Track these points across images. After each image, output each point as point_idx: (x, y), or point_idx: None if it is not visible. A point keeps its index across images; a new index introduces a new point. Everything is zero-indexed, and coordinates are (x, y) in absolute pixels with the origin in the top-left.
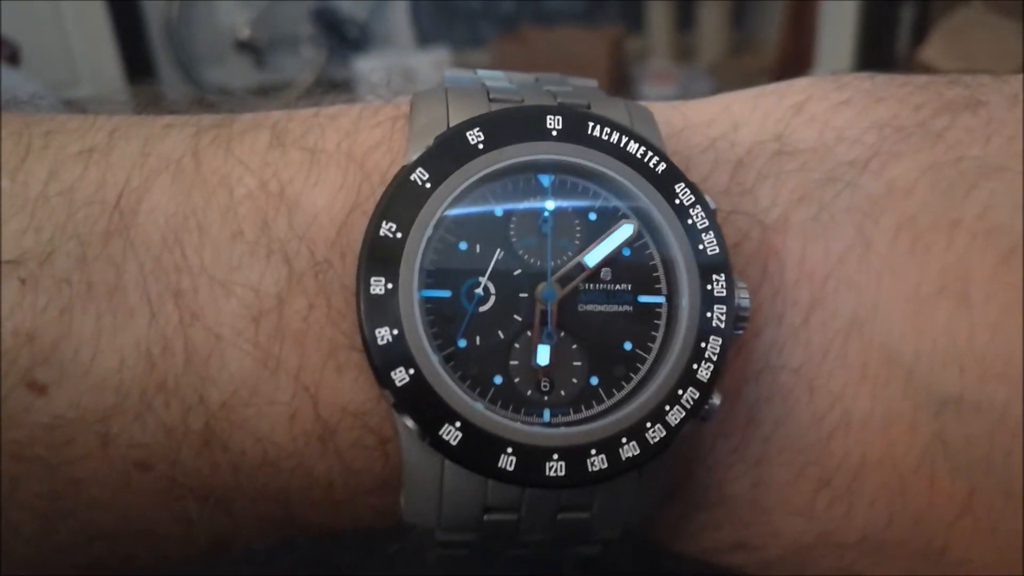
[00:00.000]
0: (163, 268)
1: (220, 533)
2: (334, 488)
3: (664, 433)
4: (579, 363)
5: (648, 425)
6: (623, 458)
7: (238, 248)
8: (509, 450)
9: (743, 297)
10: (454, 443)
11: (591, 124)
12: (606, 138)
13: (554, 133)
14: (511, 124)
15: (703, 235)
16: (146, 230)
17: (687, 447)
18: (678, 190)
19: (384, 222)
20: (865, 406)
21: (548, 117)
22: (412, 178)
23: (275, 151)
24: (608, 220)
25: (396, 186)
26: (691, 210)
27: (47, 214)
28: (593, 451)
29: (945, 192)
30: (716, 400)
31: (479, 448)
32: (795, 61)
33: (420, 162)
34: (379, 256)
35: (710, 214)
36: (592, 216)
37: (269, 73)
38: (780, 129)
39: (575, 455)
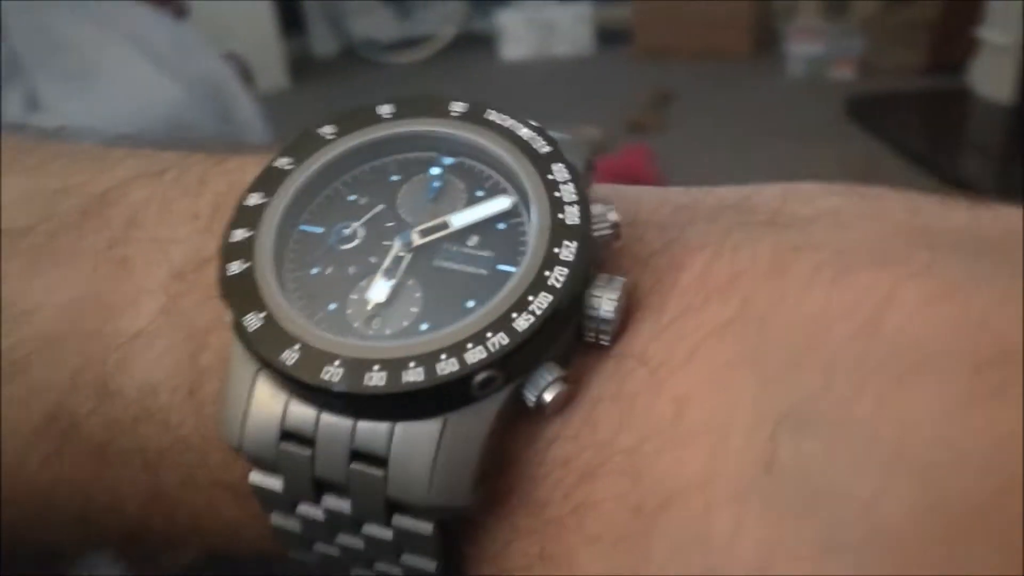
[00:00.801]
0: (122, 236)
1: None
2: (190, 445)
3: (477, 358)
4: (415, 309)
5: (469, 345)
6: (439, 372)
7: (190, 225)
8: (296, 346)
9: (607, 294)
10: (251, 329)
11: (489, 110)
12: (500, 123)
13: (455, 115)
14: (418, 104)
15: (567, 207)
16: (119, 210)
17: (512, 443)
18: (555, 168)
19: (281, 157)
20: (704, 418)
21: (452, 102)
22: (319, 131)
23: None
24: (491, 195)
25: (302, 134)
26: (562, 186)
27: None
28: (412, 363)
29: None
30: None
31: (273, 336)
32: (959, 17)
33: (329, 119)
34: (264, 179)
35: (581, 191)
36: (479, 192)
37: (412, 25)
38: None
39: (390, 367)
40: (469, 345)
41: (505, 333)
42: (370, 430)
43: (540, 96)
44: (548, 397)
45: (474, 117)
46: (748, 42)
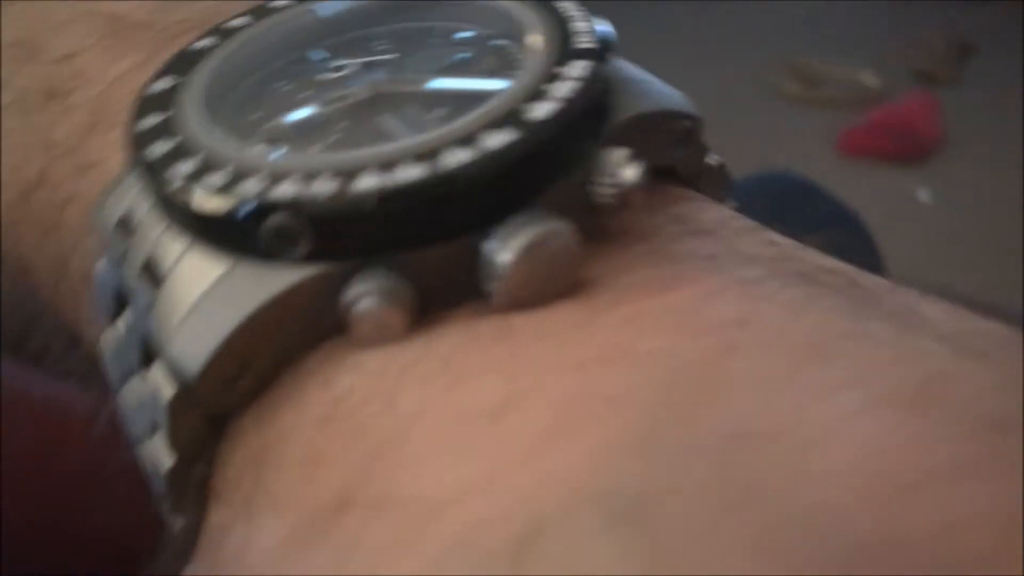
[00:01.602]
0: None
1: None
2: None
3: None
4: (333, 138)
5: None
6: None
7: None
8: (173, 140)
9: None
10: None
11: None
12: None
13: None
14: None
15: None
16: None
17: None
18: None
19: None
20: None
21: None
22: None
23: None
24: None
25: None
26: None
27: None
28: (251, 181)
29: None
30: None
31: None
32: None
33: None
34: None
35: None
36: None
37: None
38: None
39: None
40: (315, 181)
41: (379, 175)
42: (169, 240)
43: (813, 34)
44: (359, 307)
45: None
46: None
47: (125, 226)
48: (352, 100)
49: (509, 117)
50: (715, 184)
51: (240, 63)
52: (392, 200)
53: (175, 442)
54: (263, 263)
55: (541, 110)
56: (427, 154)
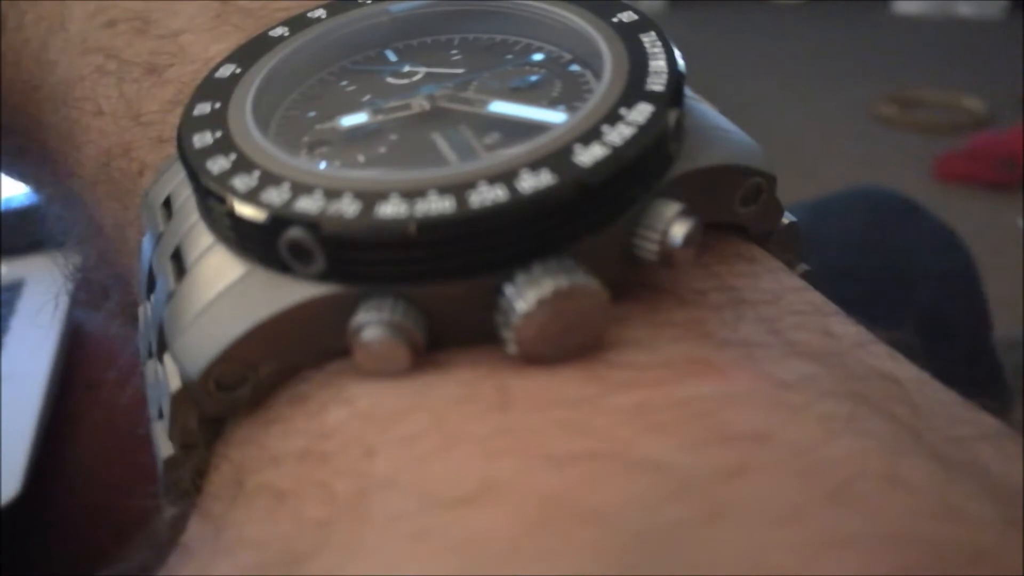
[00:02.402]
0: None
1: None
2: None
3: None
4: (383, 150)
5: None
6: None
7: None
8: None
9: None
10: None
11: None
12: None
13: None
14: None
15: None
16: None
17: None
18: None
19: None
20: None
21: None
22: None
23: None
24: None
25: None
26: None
27: None
28: (294, 190)
29: None
30: None
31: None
32: None
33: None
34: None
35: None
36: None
37: None
38: None
39: None
40: (339, 200)
41: (423, 202)
42: (198, 233)
43: (927, 57)
44: (364, 337)
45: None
46: None
47: (168, 208)
48: (409, 112)
49: (553, 158)
50: (786, 246)
51: (305, 59)
52: (412, 232)
53: (174, 435)
54: (279, 274)
55: (588, 155)
56: (459, 187)
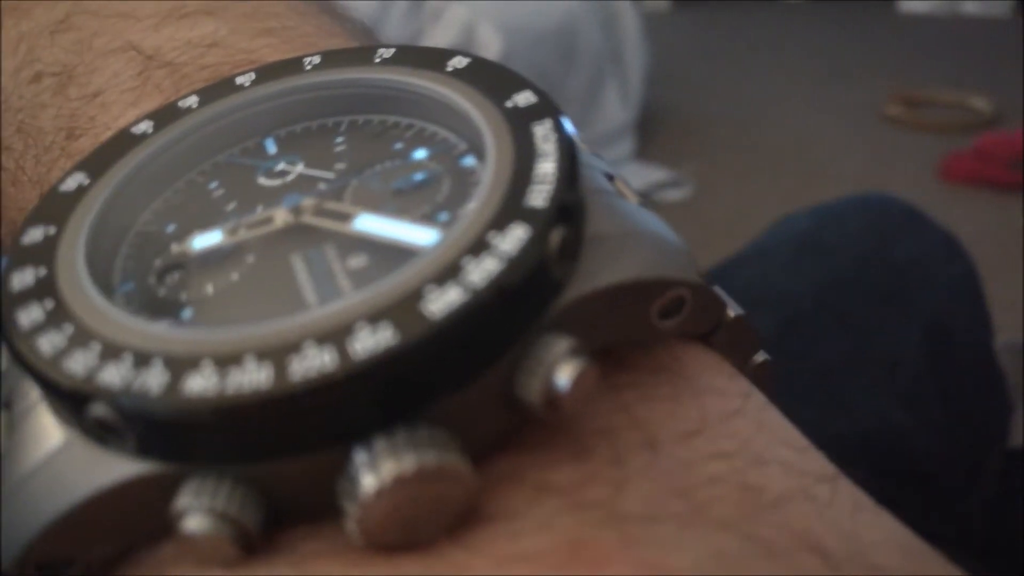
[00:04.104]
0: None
1: None
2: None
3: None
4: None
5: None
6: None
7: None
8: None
9: None
10: None
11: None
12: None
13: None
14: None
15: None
16: None
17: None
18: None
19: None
20: None
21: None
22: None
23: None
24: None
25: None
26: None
27: None
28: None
29: None
30: None
31: None
32: None
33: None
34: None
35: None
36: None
37: None
38: None
39: None
40: (147, 369)
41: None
42: (26, 385)
43: (934, 56)
44: (185, 527)
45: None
46: None
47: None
48: (271, 227)
49: (398, 308)
50: (735, 341)
51: (169, 160)
52: (218, 413)
53: None
54: (98, 446)
55: (441, 303)
56: (279, 351)
